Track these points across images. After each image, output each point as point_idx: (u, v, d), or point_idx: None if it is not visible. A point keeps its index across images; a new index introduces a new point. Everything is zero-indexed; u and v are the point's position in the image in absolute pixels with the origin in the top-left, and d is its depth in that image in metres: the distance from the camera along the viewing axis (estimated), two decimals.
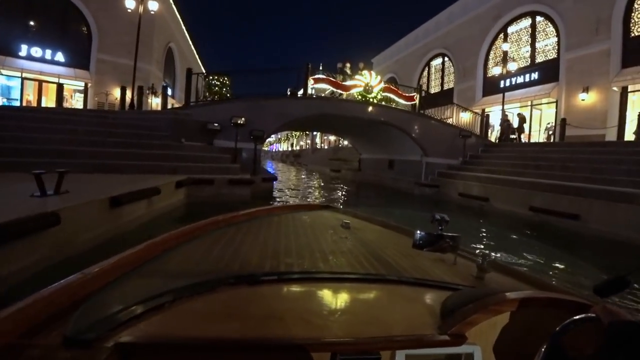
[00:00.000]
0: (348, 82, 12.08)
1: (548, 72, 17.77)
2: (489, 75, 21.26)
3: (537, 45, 18.57)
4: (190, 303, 0.80)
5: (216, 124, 9.85)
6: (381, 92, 12.59)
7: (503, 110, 16.08)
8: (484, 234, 6.93)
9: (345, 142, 35.89)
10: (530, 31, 19.06)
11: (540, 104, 18.63)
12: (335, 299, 0.95)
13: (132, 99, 12.24)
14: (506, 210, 9.52)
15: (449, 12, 24.21)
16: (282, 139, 70.61)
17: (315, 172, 26.41)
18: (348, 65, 12.56)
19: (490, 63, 21.29)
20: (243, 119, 9.95)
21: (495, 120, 18.46)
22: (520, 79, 19.32)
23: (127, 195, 4.74)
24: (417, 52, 27.19)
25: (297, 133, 61.16)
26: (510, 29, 20.18)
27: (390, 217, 2.25)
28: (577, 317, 0.68)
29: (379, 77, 12.67)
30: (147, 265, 1.07)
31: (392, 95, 13.05)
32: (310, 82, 11.31)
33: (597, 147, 10.76)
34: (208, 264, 1.21)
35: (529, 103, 18.89)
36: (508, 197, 9.62)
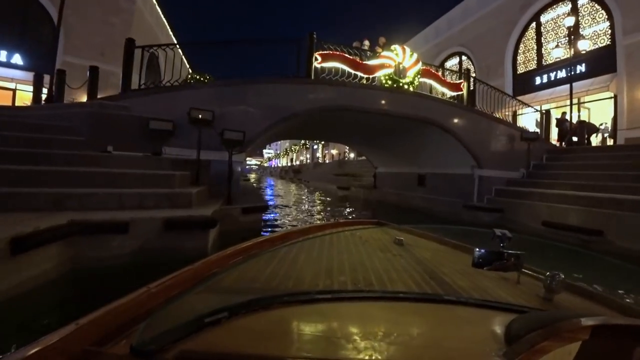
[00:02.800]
0: (372, 61, 8.00)
1: (600, 62, 13.86)
2: (520, 71, 17.44)
3: (583, 32, 14.72)
4: (246, 320, 0.76)
5: (166, 122, 5.78)
6: (418, 77, 8.59)
7: (571, 108, 12.04)
8: None
9: (352, 155, 31.93)
10: (570, 17, 15.24)
11: (591, 101, 14.69)
12: (390, 319, 0.86)
13: (50, 90, 8.27)
14: None
15: (463, 7, 20.49)
16: (282, 153, 66.98)
17: (319, 191, 22.16)
18: (367, 43, 8.55)
19: (521, 57, 17.46)
20: (211, 113, 5.88)
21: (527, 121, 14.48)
22: (561, 74, 15.45)
23: None
24: (427, 53, 23.28)
25: (297, 147, 57.73)
26: (543, 18, 16.39)
27: None
28: None
29: (415, 55, 8.59)
30: (204, 282, 1.04)
31: (432, 82, 8.98)
32: (317, 59, 7.29)
33: None
34: (262, 282, 1.13)
35: (576, 101, 14.95)
36: None
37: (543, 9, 16.22)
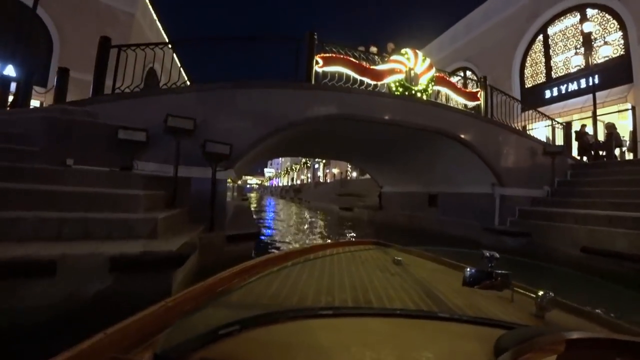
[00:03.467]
0: (381, 66, 7.08)
1: (614, 73, 13.10)
2: (528, 85, 16.71)
3: (595, 43, 14.05)
4: (256, 332, 0.82)
5: (138, 132, 4.84)
6: (432, 84, 7.66)
7: (594, 120, 11.12)
8: None
9: (354, 174, 30.99)
10: (580, 28, 14.67)
11: (607, 113, 13.84)
12: (387, 334, 0.90)
13: (16, 95, 7.45)
14: None
15: (468, 21, 20.05)
16: (282, 173, 66.36)
17: (320, 211, 21.08)
18: (375, 50, 7.69)
19: (528, 71, 16.79)
20: (192, 121, 4.95)
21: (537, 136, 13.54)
22: (573, 86, 14.71)
23: None
24: None
25: (298, 166, 57.14)
26: (551, 30, 15.80)
27: None
28: None
29: (427, 60, 7.84)
30: (217, 298, 1.12)
31: (446, 90, 8.12)
32: (318, 63, 6.40)
33: None
34: (269, 298, 1.19)
35: (589, 114, 14.11)
36: None
37: (550, 21, 15.64)
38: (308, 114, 6.25)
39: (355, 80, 6.79)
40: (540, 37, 16.13)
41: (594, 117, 10.74)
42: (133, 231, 3.37)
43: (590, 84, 13.90)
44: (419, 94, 7.37)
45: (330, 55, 6.52)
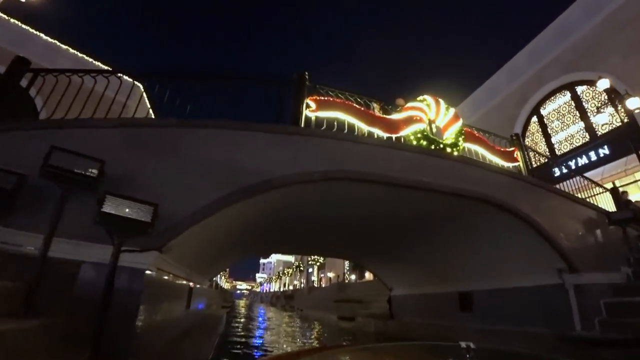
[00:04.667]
0: (396, 115, 5.47)
1: (624, 141, 12.18)
2: (533, 166, 15.69)
3: (593, 117, 13.51)
4: None
5: (4, 175, 2.82)
6: (462, 137, 5.94)
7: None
8: None
9: (353, 277, 27.84)
10: (574, 105, 14.34)
11: (628, 183, 12.43)
12: None
13: None
14: None
15: (459, 111, 20.28)
16: (274, 277, 61.75)
17: (315, 322, 17.51)
18: (376, 106, 6.06)
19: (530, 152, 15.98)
20: (98, 163, 2.98)
21: None
22: (582, 160, 13.68)
23: None
24: None
25: (290, 270, 53.40)
26: (544, 111, 15.55)
27: None
28: None
29: (452, 110, 6.10)
30: None
31: (477, 148, 6.39)
32: (309, 106, 4.78)
33: None
34: None
35: (609, 185, 12.65)
36: None
37: (541, 103, 15.51)
38: (295, 170, 4.26)
39: (361, 132, 5.11)
40: (535, 118, 15.84)
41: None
42: None
43: (602, 155, 13.02)
44: (447, 149, 5.60)
45: (326, 98, 4.95)
